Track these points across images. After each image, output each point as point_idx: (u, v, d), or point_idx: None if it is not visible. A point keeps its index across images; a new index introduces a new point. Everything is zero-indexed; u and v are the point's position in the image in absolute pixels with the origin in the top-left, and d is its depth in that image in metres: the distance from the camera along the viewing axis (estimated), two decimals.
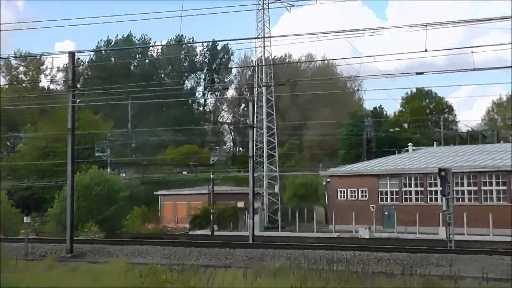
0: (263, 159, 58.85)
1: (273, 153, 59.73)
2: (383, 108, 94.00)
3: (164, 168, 75.78)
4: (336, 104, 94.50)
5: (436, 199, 46.91)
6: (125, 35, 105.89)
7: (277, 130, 61.24)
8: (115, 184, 51.60)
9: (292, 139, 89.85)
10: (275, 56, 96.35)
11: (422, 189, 48.98)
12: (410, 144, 60.67)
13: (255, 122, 41.67)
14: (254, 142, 44.64)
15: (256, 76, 60.94)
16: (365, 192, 51.69)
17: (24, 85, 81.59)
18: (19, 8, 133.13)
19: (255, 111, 51.26)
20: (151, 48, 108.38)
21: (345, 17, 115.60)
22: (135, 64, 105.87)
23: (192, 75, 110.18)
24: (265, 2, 56.92)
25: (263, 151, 58.95)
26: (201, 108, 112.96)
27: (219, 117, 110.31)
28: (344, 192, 52.84)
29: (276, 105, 61.73)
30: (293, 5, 55.82)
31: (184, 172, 72.51)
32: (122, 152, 76.98)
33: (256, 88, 60.27)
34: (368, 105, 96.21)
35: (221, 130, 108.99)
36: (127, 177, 66.62)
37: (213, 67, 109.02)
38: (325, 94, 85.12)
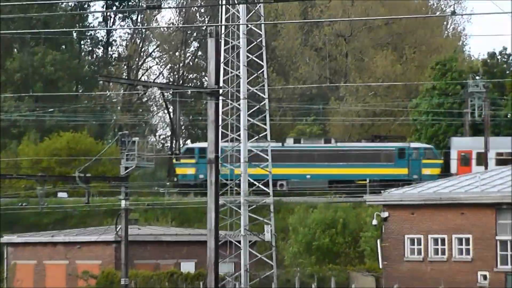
0: (239, 167, 59.05)
1: (264, 154, 60.27)
2: (510, 55, 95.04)
3: (15, 184, 75.89)
4: (404, 45, 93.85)
5: None
6: None
7: (270, 102, 62.18)
8: None
9: (305, 122, 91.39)
10: None
11: None
12: None
13: (221, 83, 41.64)
14: (220, 129, 44.65)
15: None
16: (468, 243, 52.47)
17: None
18: None
19: (222, 58, 52.23)
20: None
21: None
22: None
23: None
24: None
25: (239, 150, 59.15)
26: (99, 51, 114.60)
27: (140, 73, 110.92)
28: (419, 242, 53.67)
29: (269, 46, 61.49)
30: None
31: (62, 195, 73.39)
32: None
33: (223, 7, 60.65)
34: (477, 50, 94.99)
35: (145, 99, 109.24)
36: None
37: None
38: (379, 22, 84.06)
